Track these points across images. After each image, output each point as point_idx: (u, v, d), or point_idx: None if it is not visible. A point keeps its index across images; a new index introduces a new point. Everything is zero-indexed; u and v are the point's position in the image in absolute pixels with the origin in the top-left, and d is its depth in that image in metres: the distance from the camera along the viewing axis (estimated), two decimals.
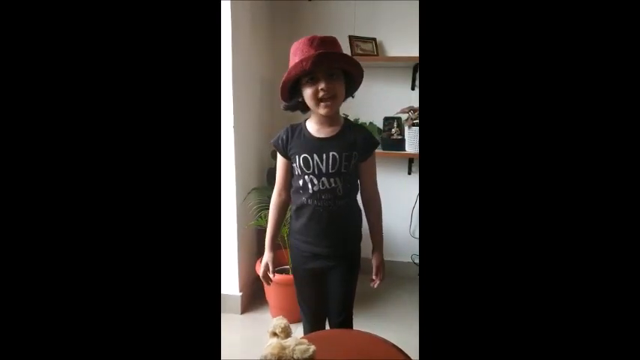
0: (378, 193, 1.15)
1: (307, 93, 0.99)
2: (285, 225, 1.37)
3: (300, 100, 1.03)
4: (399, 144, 2.04)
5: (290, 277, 1.71)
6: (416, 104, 2.07)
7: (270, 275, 1.18)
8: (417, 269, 2.18)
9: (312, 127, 1.07)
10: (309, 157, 1.04)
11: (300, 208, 1.09)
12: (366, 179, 1.12)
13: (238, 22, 1.68)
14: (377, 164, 1.14)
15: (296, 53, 0.98)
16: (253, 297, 1.97)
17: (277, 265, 1.20)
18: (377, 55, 2.08)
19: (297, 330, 1.75)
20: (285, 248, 1.70)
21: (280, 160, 1.13)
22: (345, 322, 1.18)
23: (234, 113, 1.68)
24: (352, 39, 2.04)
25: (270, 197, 1.89)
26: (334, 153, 1.03)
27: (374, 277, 1.14)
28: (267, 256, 1.18)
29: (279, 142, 1.10)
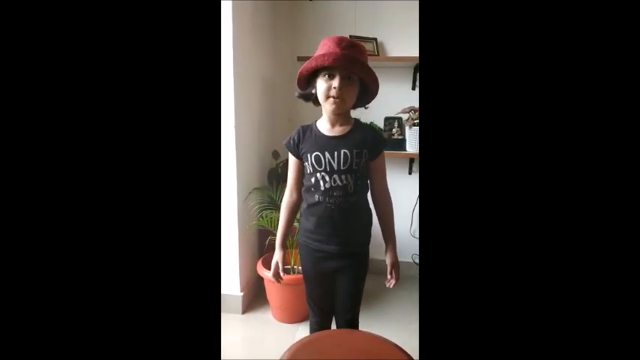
0: (388, 191, 1.16)
1: (320, 87, 1.02)
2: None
3: (313, 91, 1.06)
4: (400, 144, 2.04)
5: (291, 277, 1.72)
6: (417, 104, 2.07)
7: (281, 273, 1.20)
8: (417, 269, 2.18)
9: (323, 126, 1.10)
10: (321, 155, 1.05)
11: (311, 206, 1.10)
12: (377, 178, 1.13)
13: (239, 22, 1.68)
14: None
15: (322, 47, 1.01)
16: (254, 297, 1.98)
17: (284, 264, 1.21)
18: (378, 55, 2.09)
19: (299, 330, 1.75)
20: (287, 249, 1.70)
21: (292, 161, 1.15)
22: (351, 320, 1.19)
23: (235, 113, 1.68)
24: (353, 39, 2.04)
25: (270, 197, 1.91)
26: (345, 150, 1.04)
27: (389, 276, 1.14)
28: (277, 254, 1.20)
29: (291, 142, 1.12)
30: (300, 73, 1.04)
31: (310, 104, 1.12)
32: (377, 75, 1.03)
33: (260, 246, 2.10)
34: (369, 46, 2.08)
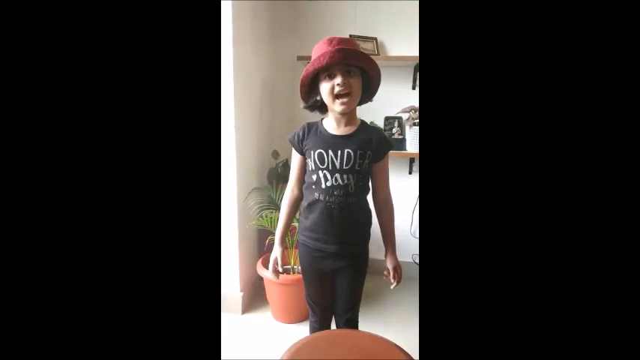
0: (390, 195, 1.16)
1: (324, 89, 1.02)
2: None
3: (318, 98, 1.06)
4: (400, 143, 2.04)
5: (291, 277, 1.72)
6: (417, 104, 2.07)
7: (279, 269, 1.20)
8: (417, 269, 2.18)
9: (329, 125, 1.10)
10: (325, 153, 1.06)
11: (311, 204, 1.10)
12: (379, 181, 1.13)
13: (239, 22, 1.68)
14: None
15: (316, 52, 1.01)
16: (254, 297, 1.98)
17: (283, 262, 1.21)
18: (378, 54, 2.09)
19: (298, 330, 1.75)
20: (287, 247, 1.70)
21: (295, 157, 1.15)
22: (351, 320, 1.19)
23: (235, 113, 1.68)
24: (353, 38, 2.04)
25: (270, 197, 1.91)
26: (349, 150, 1.04)
27: (391, 279, 1.15)
28: (277, 250, 1.20)
29: (295, 138, 1.12)
30: (301, 82, 1.04)
31: None
32: None
33: (260, 246, 2.10)
34: (369, 46, 2.09)
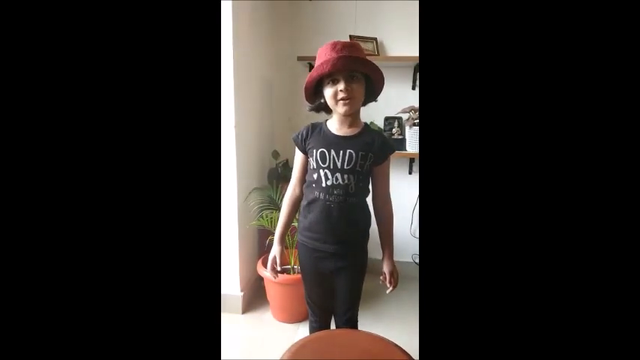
0: (390, 199, 1.17)
1: (328, 94, 1.04)
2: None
3: (322, 101, 1.08)
4: (400, 144, 2.04)
5: (291, 277, 1.72)
6: (417, 104, 2.07)
7: (278, 268, 1.20)
8: (417, 269, 2.18)
9: (333, 125, 1.11)
10: (326, 152, 1.07)
11: (311, 203, 1.11)
12: (380, 184, 1.14)
13: (239, 22, 1.68)
14: None
15: (320, 56, 1.03)
16: (254, 297, 1.98)
17: (282, 262, 1.21)
18: (378, 54, 2.09)
19: (299, 330, 1.76)
20: (287, 246, 1.70)
21: (297, 156, 1.17)
22: (350, 320, 1.19)
23: (235, 113, 1.68)
24: (353, 39, 2.05)
25: (270, 197, 1.91)
26: (351, 150, 1.06)
27: (387, 284, 1.15)
28: (275, 249, 1.21)
29: (299, 136, 1.14)
30: (306, 87, 1.07)
31: None
32: None
33: (260, 246, 2.10)
34: (369, 46, 2.09)
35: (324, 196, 1.07)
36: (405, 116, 2.07)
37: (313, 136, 1.11)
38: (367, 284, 1.21)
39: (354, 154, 1.05)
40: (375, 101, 1.12)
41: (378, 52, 2.10)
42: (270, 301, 1.86)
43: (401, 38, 2.10)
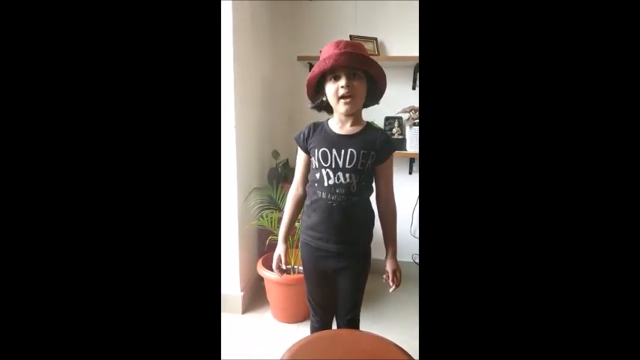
0: (393, 198, 1.17)
1: (329, 91, 1.04)
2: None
3: (324, 99, 1.08)
4: (400, 143, 2.04)
5: (291, 277, 1.72)
6: (417, 104, 2.07)
7: (283, 267, 1.21)
8: (417, 269, 2.18)
9: (334, 124, 1.12)
10: (328, 151, 1.07)
11: (313, 203, 1.11)
12: (382, 183, 1.14)
13: (239, 22, 1.68)
14: None
15: (323, 54, 1.03)
16: (254, 297, 1.98)
17: (287, 261, 1.22)
18: (378, 54, 2.09)
19: (299, 330, 1.75)
20: (289, 248, 1.70)
21: (300, 155, 1.17)
22: (352, 320, 1.19)
23: (235, 113, 1.68)
24: (353, 39, 2.05)
25: (270, 197, 1.91)
26: (353, 149, 1.06)
27: (390, 283, 1.15)
28: (280, 248, 1.21)
29: (301, 136, 1.14)
30: (308, 83, 1.07)
31: None
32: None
33: (260, 246, 2.10)
34: (369, 46, 2.09)
35: (327, 196, 1.07)
36: (405, 116, 2.07)
37: (315, 136, 1.11)
38: (368, 284, 1.21)
39: (355, 153, 1.05)
40: (377, 104, 1.12)
41: (378, 51, 2.10)
42: (270, 301, 1.86)
43: (401, 38, 2.10)
